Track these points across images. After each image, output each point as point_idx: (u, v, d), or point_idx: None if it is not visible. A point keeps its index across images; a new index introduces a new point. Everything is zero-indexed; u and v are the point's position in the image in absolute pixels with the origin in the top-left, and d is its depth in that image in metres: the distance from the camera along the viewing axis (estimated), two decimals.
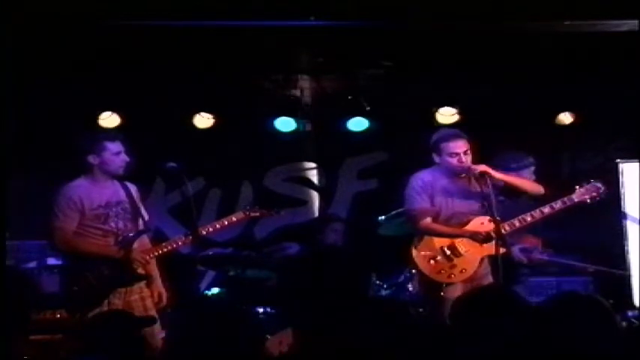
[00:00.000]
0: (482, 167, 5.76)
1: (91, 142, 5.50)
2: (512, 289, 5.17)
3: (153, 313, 5.40)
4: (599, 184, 6.13)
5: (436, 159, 5.90)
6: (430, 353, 2.56)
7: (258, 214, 6.03)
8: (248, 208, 6.01)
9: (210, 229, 5.70)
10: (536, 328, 3.08)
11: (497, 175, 5.80)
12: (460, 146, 5.83)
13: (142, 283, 5.49)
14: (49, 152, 7.72)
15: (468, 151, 5.83)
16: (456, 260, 5.83)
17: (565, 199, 6.01)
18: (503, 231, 5.67)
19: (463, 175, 5.87)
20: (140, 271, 5.44)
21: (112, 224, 5.43)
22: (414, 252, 5.94)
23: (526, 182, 6.10)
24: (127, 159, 5.49)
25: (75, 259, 5.41)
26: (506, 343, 3.09)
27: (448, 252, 5.84)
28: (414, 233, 6.02)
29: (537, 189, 6.05)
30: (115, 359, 3.62)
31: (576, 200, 6.02)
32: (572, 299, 3.26)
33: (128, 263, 5.37)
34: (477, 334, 3.13)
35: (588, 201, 6.07)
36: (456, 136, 5.90)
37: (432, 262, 5.87)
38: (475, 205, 5.85)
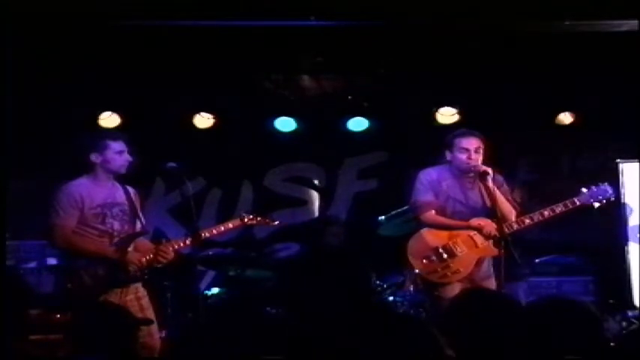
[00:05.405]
0: (487, 168, 5.74)
1: (94, 140, 5.50)
2: (504, 292, 5.20)
3: (149, 312, 5.40)
4: (608, 188, 6.02)
5: (448, 155, 5.88)
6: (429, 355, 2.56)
7: (254, 222, 6.07)
8: (244, 215, 6.03)
9: (207, 235, 5.71)
10: (521, 331, 3.08)
11: (490, 185, 5.73)
12: (472, 143, 5.80)
13: (138, 284, 5.47)
14: (49, 152, 7.73)
15: (480, 150, 5.81)
16: (450, 261, 5.80)
17: (567, 202, 5.92)
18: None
19: (470, 174, 5.85)
20: (135, 273, 5.42)
21: (109, 225, 5.42)
22: (409, 251, 5.93)
23: (505, 204, 5.84)
24: (130, 158, 5.48)
25: (72, 258, 5.40)
26: (492, 344, 3.09)
27: (442, 252, 5.82)
28: (416, 229, 6.00)
29: (509, 214, 5.84)
30: (112, 356, 3.62)
31: (579, 204, 5.92)
32: (556, 304, 3.26)
33: (124, 265, 5.36)
34: (466, 335, 3.14)
35: (595, 205, 5.97)
36: (469, 134, 5.88)
37: (425, 261, 5.85)
38: (477, 205, 5.85)
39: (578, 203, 5.94)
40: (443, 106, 8.15)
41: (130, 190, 5.61)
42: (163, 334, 5.67)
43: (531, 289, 6.72)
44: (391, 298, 6.83)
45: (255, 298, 6.86)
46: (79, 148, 5.52)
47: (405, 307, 6.74)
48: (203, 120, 8.23)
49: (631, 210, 7.73)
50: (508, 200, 5.88)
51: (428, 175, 5.95)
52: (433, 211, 5.88)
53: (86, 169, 5.48)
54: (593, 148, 8.34)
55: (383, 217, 7.15)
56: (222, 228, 5.87)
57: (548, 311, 3.14)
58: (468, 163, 5.79)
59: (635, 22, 6.15)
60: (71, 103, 7.74)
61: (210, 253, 7.43)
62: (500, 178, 5.89)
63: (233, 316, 2.51)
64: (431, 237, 5.88)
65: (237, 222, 5.98)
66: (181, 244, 5.58)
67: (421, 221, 5.94)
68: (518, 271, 6.27)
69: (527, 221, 5.85)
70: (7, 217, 4.79)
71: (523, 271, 6.54)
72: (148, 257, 5.45)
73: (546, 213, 5.88)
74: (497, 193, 5.69)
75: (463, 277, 5.77)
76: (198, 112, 8.19)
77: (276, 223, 6.46)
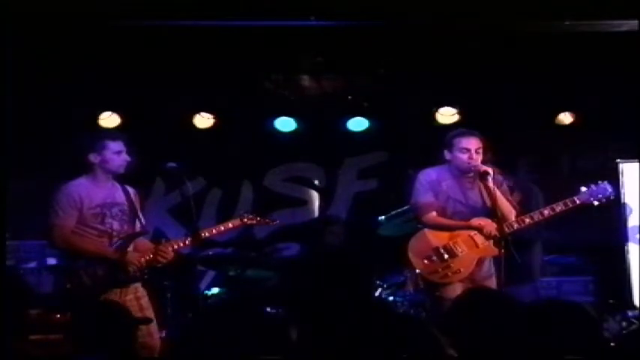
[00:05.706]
0: (487, 167, 5.74)
1: (92, 140, 5.51)
2: (504, 291, 5.20)
3: (149, 312, 5.40)
4: (607, 186, 6.02)
5: (447, 155, 5.87)
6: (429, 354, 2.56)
7: (254, 222, 6.07)
8: (245, 214, 6.04)
9: (207, 235, 5.71)
10: (522, 331, 3.09)
11: (490, 185, 5.73)
12: (472, 143, 5.80)
13: (138, 284, 5.47)
14: (49, 152, 7.73)
15: (480, 150, 5.81)
16: (450, 261, 5.79)
17: (567, 200, 5.92)
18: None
19: (470, 174, 5.84)
20: (135, 273, 5.42)
21: (108, 225, 5.42)
22: (410, 251, 5.93)
23: (505, 204, 5.85)
24: (128, 158, 5.49)
25: (71, 258, 5.40)
26: (493, 344, 3.09)
27: (443, 252, 5.81)
28: (417, 229, 5.99)
29: (509, 214, 5.85)
30: (112, 356, 3.63)
31: (579, 202, 5.92)
32: (556, 304, 3.26)
33: (123, 265, 5.36)
34: (466, 335, 3.14)
35: (595, 203, 5.98)
36: (469, 134, 5.88)
37: (426, 261, 5.84)
38: (477, 205, 5.84)
39: (578, 202, 5.94)
40: (443, 106, 8.14)
41: (130, 190, 5.61)
42: (163, 334, 5.67)
43: (532, 290, 6.73)
44: (391, 298, 6.83)
45: (255, 298, 6.86)
46: (78, 148, 5.53)
47: (405, 307, 6.74)
48: (203, 120, 8.22)
49: (631, 210, 7.73)
50: (508, 200, 5.88)
51: (427, 175, 5.94)
52: (434, 213, 5.88)
53: (85, 169, 5.48)
54: (593, 148, 8.34)
55: (383, 217, 7.14)
56: (222, 228, 5.87)
57: (549, 311, 3.14)
58: (469, 163, 5.78)
59: (635, 22, 6.15)
60: (71, 103, 7.74)
61: (210, 253, 7.42)
62: (500, 178, 5.89)
63: (233, 316, 2.51)
64: (432, 237, 5.87)
65: (237, 222, 5.98)
66: (181, 244, 5.58)
67: (422, 223, 5.94)
68: (525, 272, 6.26)
69: (528, 220, 5.86)
70: (7, 217, 4.79)
71: (533, 272, 6.53)
72: (147, 257, 5.45)
73: (546, 212, 5.89)
74: (497, 193, 5.69)
75: (464, 277, 5.77)
76: (198, 112, 8.19)
77: (276, 223, 6.47)
